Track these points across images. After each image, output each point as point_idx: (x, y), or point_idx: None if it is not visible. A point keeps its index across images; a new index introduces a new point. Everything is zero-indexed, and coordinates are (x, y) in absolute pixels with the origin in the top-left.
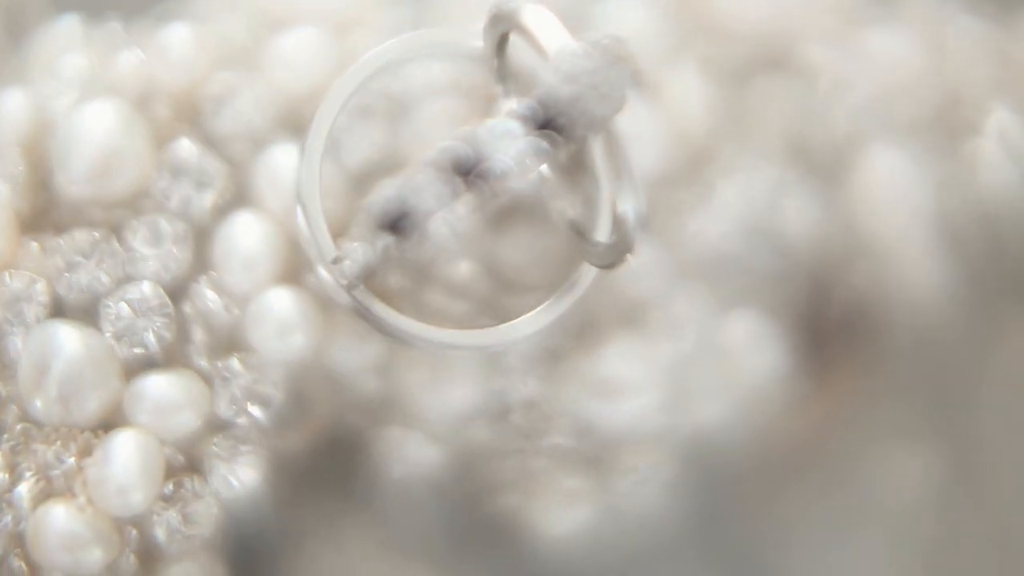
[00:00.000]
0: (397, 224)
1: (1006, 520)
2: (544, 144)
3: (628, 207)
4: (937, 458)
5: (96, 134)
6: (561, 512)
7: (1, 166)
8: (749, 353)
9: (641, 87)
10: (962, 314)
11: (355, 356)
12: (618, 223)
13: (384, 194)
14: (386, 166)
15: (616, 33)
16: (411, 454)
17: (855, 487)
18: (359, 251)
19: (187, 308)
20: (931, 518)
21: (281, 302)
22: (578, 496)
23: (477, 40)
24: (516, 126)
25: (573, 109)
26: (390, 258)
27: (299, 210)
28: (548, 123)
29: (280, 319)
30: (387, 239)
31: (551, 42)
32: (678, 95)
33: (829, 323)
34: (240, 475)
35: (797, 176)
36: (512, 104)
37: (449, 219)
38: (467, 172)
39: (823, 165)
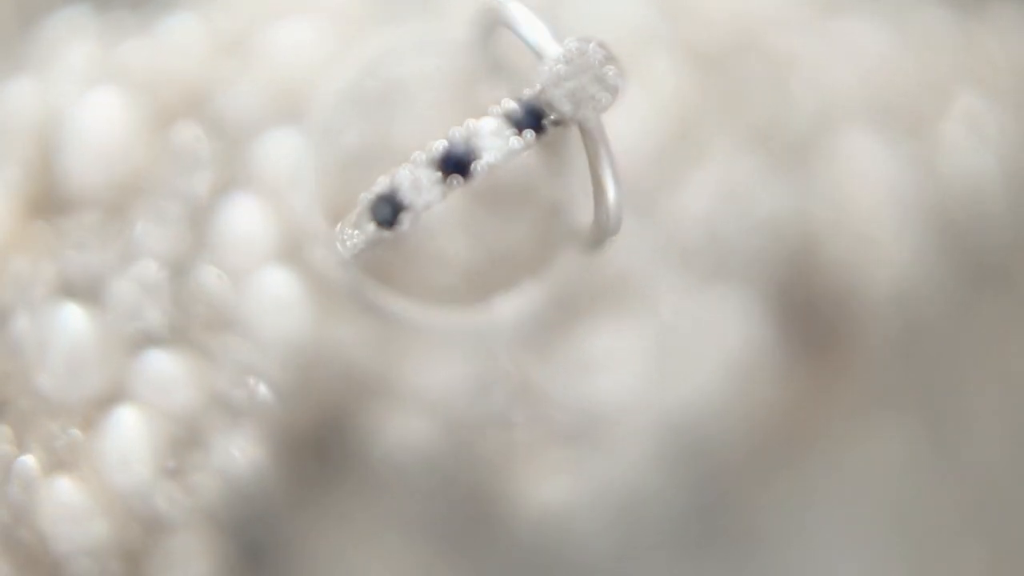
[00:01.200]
0: (389, 216)
1: (986, 493)
2: (532, 142)
3: (611, 192)
4: (918, 434)
5: (101, 120)
6: (547, 486)
7: (9, 150)
8: (730, 328)
9: (625, 88)
10: (937, 290)
11: (348, 333)
12: (601, 207)
13: (378, 188)
14: (379, 156)
15: (601, 34)
16: (401, 428)
17: (839, 462)
18: (354, 236)
19: (188, 286)
20: (912, 492)
21: (279, 281)
22: (564, 470)
23: (467, 35)
24: (506, 124)
25: (562, 109)
26: (381, 245)
27: (296, 193)
28: (537, 122)
29: (278, 297)
30: (380, 230)
31: (539, 40)
32: (658, 77)
33: (808, 300)
34: (241, 449)
35: (772, 157)
36: (502, 102)
37: (437, 211)
38: (458, 169)
39: (797, 147)
